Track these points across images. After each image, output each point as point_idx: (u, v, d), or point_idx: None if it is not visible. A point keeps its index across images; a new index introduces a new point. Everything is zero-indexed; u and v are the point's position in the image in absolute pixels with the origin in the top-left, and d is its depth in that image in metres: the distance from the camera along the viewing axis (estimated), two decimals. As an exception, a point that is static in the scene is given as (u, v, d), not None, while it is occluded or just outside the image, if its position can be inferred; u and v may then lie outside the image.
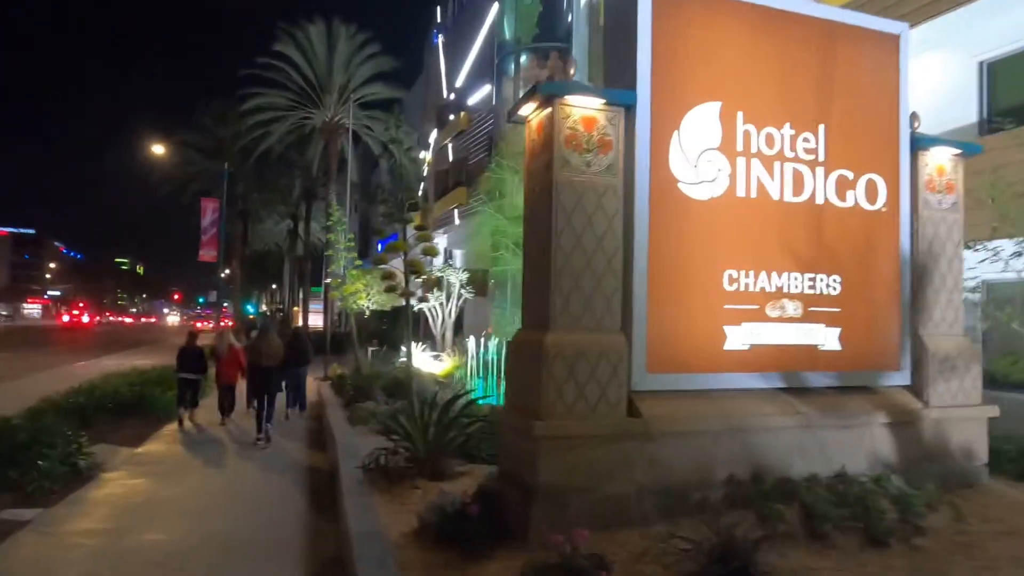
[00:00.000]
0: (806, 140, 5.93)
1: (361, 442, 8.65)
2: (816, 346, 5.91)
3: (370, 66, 36.42)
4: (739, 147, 5.69)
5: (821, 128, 5.98)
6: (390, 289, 8.46)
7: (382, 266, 11.14)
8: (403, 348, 19.19)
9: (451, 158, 31.98)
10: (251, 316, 57.05)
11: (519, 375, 5.31)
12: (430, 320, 20.44)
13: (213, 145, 41.57)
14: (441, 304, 20.03)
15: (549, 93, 5.09)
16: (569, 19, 21.99)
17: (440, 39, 35.84)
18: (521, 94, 23.03)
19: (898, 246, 6.30)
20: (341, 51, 35.71)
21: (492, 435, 7.49)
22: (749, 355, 5.62)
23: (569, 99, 5.10)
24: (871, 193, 6.18)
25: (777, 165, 5.82)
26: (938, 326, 6.46)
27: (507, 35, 25.16)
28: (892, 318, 6.25)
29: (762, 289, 5.72)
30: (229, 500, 7.27)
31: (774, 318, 5.75)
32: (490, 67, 26.55)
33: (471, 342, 15.62)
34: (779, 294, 5.78)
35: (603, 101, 5.19)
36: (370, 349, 20.37)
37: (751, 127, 5.73)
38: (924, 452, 6.11)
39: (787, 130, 5.86)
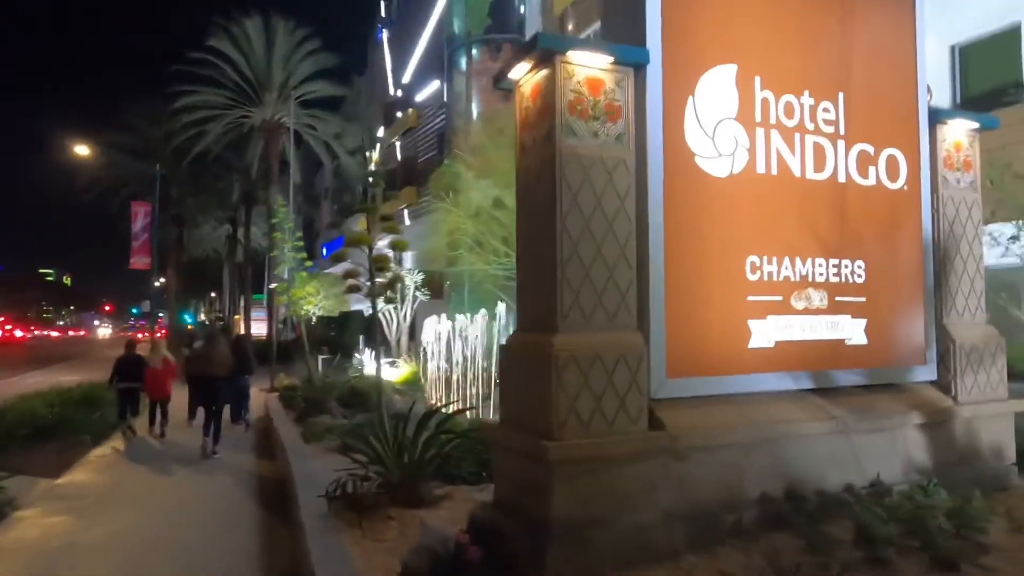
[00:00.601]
0: (826, 110, 5.28)
1: (319, 465, 7.67)
2: (843, 340, 5.27)
3: (311, 63, 34.98)
4: (757, 117, 5.00)
5: (840, 97, 5.35)
6: (352, 289, 7.49)
7: (338, 267, 10.12)
8: (356, 356, 18.16)
9: (399, 157, 30.90)
10: (189, 326, 54.49)
11: (518, 386, 4.47)
12: (384, 324, 19.38)
13: (144, 146, 39.28)
14: (395, 307, 19.01)
15: (548, 48, 4.27)
16: (522, 10, 21.31)
17: (385, 34, 34.70)
18: (474, 89, 22.17)
19: (920, 228, 5.73)
20: (280, 47, 34.15)
21: (471, 451, 6.65)
22: (774, 353, 4.93)
23: (572, 56, 4.30)
24: (892, 170, 5.60)
25: (797, 138, 5.16)
26: (962, 314, 5.93)
27: (457, 28, 24.29)
28: (916, 307, 5.68)
29: (786, 278, 5.05)
30: (167, 542, 6.20)
31: (799, 310, 5.09)
32: (439, 62, 25.64)
33: (430, 346, 14.70)
34: (804, 283, 5.12)
35: (611, 59, 4.40)
36: (320, 357, 19.18)
37: (769, 94, 5.04)
38: (957, 454, 5.55)
39: (806, 98, 5.20)
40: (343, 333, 31.53)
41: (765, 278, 4.95)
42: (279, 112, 34.85)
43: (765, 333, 4.91)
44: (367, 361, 17.27)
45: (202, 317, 66.77)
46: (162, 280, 47.65)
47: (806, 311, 5.11)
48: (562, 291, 4.17)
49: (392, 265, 12.61)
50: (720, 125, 4.84)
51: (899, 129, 5.66)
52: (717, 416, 4.58)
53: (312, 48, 34.98)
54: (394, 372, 17.00)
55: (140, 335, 46.39)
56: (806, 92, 5.20)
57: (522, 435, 4.28)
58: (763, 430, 4.64)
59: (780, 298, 5.01)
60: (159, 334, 32.42)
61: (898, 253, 5.60)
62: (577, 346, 4.11)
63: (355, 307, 37.19)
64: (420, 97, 28.24)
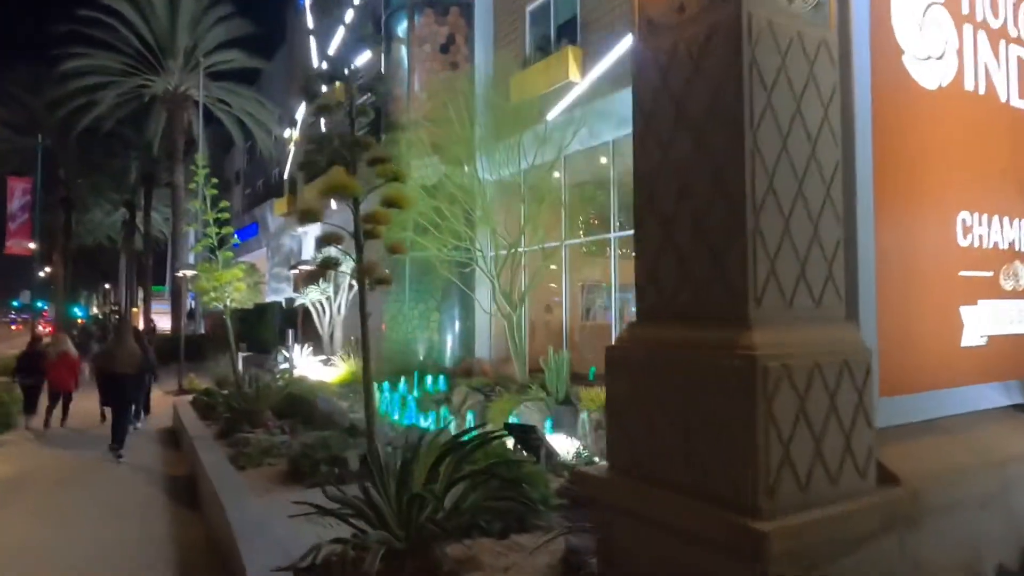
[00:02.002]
0: (1027, 12, 3.78)
1: (266, 507, 5.61)
2: (1051, 335, 3.80)
3: (223, 29, 31.72)
4: (964, 7, 3.42)
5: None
6: (327, 267, 5.52)
7: (254, 254, 7.96)
8: (284, 353, 15.81)
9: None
10: (80, 320, 49.47)
11: (658, 415, 2.68)
12: (315, 317, 17.07)
13: (24, 118, 34.74)
14: (329, 298, 16.75)
15: None
16: (469, -29, 19.32)
17: (307, 1, 31.76)
18: (416, 58, 20.00)
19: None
20: (186, 8, 30.74)
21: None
22: (988, 354, 3.38)
23: None
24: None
25: (1002, 46, 3.61)
26: None
27: (393, -9, 21.97)
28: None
29: (995, 245, 3.50)
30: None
31: (1008, 291, 3.56)
32: (372, 28, 23.23)
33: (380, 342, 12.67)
34: (1011, 253, 3.59)
35: None
36: (240, 355, 16.65)
37: (973, -23, 3.48)
38: None
39: (1008, -10, 3.67)
40: (259, 327, 28.64)
41: (976, 243, 3.38)
42: (186, 83, 31.42)
43: (977, 324, 3.34)
44: (298, 358, 14.99)
45: (95, 311, 61.10)
46: (47, 269, 42.72)
47: (1013, 293, 3.58)
48: (754, 253, 2.42)
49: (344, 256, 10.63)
50: (929, 11, 3.22)
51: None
52: (945, 455, 2.96)
53: (224, 14, 31.73)
54: (329, 371, 14.82)
55: (44, 329, 41.34)
56: (1009, -18, 3.67)
57: (680, 504, 2.49)
58: (1005, 471, 3.06)
59: (990, 273, 3.46)
60: (47, 329, 28.48)
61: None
62: (787, 348, 2.37)
63: (271, 298, 34.17)
64: (349, 69, 25.71)
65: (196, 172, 11.80)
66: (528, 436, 6.35)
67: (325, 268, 7.67)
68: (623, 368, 2.87)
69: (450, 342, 16.99)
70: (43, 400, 11.67)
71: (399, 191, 5.97)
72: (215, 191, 11.43)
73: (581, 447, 6.59)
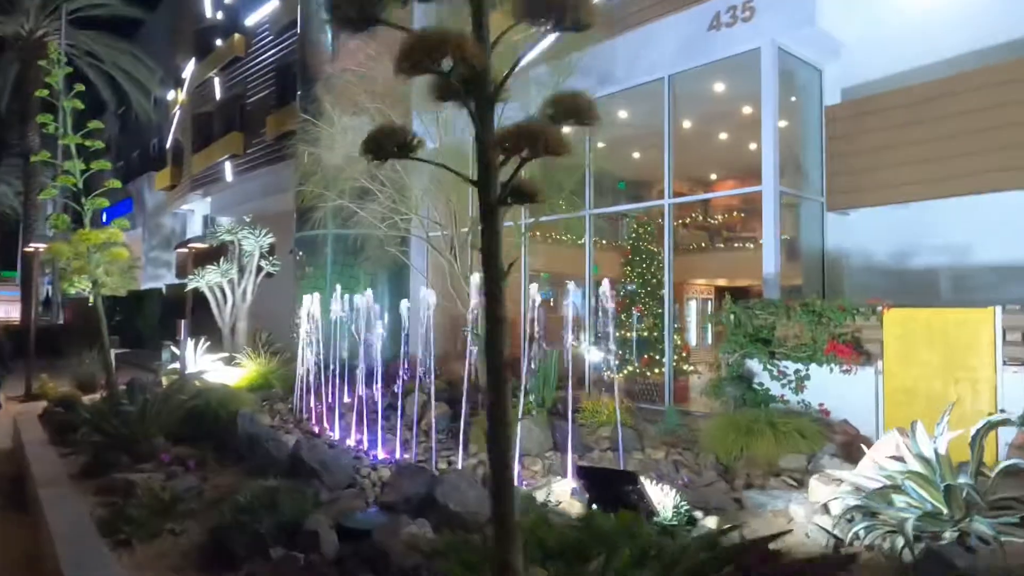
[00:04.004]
0: None
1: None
2: None
3: (92, -34, 26.96)
4: None
5: None
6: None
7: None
8: (174, 350, 12.43)
9: (218, 96, 24.35)
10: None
11: None
12: (213, 305, 13.74)
13: None
14: (232, 282, 13.49)
15: None
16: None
17: (198, -58, 27.50)
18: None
19: None
20: (45, -68, 25.78)
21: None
22: None
23: None
24: None
25: None
26: None
27: (309, -74, 18.73)
28: None
29: None
30: None
31: None
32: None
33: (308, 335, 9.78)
34: None
35: None
36: (114, 352, 13.07)
37: None
38: None
39: None
40: (135, 319, 24.35)
41: None
42: (44, 28, 26.38)
43: None
44: (192, 357, 11.74)
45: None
46: None
47: None
48: None
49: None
50: None
51: None
52: None
53: (94, -53, 26.97)
54: (234, 373, 11.69)
55: None
56: None
57: None
58: None
59: None
60: None
61: None
62: None
63: (149, 285, 29.55)
64: (251, 20, 22.08)
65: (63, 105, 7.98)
66: (620, 489, 3.95)
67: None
68: None
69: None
70: None
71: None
72: (78, 102, 8.01)
73: (678, 496, 4.28)
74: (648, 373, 10.23)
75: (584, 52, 9.41)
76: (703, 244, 16.96)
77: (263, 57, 21.50)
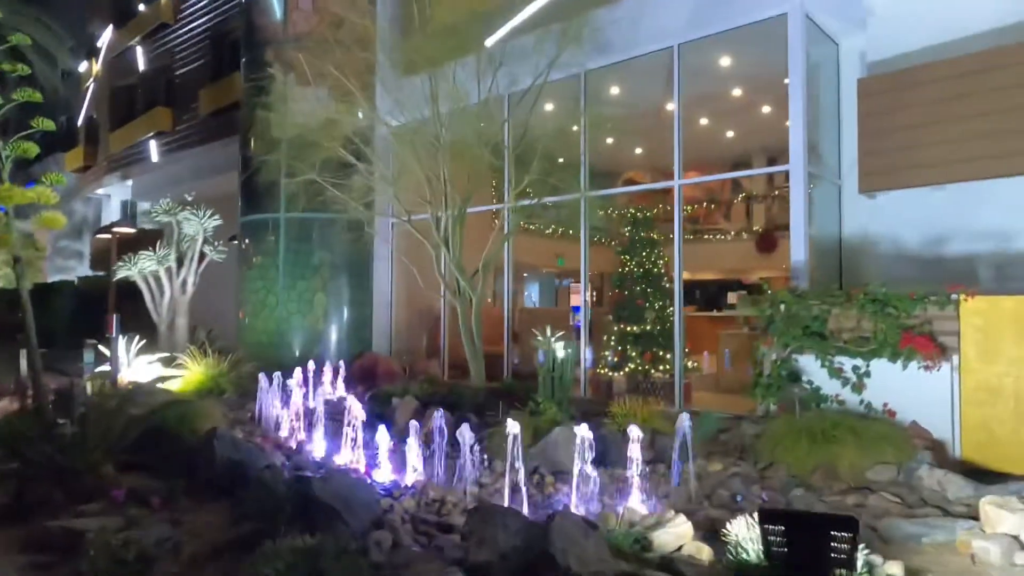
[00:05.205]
0: None
1: None
2: None
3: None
4: None
5: None
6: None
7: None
8: (103, 349, 10.65)
9: (141, 67, 22.02)
10: None
11: None
12: (147, 298, 11.96)
13: None
14: (170, 270, 11.76)
15: None
16: None
17: None
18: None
19: None
20: None
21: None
22: None
23: None
24: None
25: None
26: None
27: None
28: None
29: None
30: None
31: None
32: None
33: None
34: None
35: None
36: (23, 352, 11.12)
37: None
38: None
39: None
40: (43, 315, 21.74)
41: None
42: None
43: None
44: (125, 357, 10.07)
45: None
46: None
47: None
48: None
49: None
50: None
51: None
52: None
53: None
54: (174, 375, 10.09)
55: None
56: None
57: None
58: None
59: None
60: None
61: None
62: None
63: (56, 277, 26.68)
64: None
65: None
66: (828, 540, 2.88)
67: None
68: None
69: (335, 333, 12.86)
70: None
71: None
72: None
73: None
74: (653, 371, 9.33)
75: (585, 18, 8.48)
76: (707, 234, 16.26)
77: (196, 24, 19.44)
